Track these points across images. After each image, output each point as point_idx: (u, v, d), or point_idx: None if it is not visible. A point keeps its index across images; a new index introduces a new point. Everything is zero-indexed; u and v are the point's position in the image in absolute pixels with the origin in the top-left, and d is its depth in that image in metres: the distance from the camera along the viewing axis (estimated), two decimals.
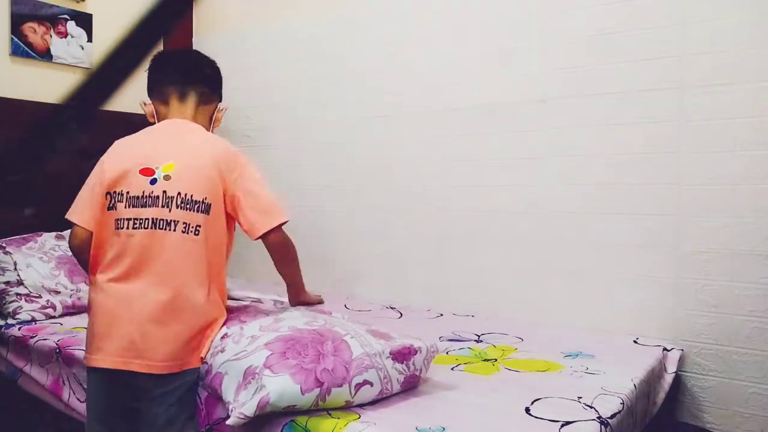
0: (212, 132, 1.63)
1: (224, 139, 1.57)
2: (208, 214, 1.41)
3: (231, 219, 1.49)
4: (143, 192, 1.40)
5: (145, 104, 1.64)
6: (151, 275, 1.37)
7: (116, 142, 1.55)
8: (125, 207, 1.41)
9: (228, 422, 1.22)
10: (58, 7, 2.70)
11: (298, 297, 1.65)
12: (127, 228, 1.39)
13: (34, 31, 2.63)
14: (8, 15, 2.55)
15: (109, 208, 1.43)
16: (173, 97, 1.57)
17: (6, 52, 2.56)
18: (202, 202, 1.40)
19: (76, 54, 2.77)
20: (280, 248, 1.51)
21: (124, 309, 1.37)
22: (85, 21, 2.80)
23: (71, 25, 2.75)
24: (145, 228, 1.38)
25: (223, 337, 1.42)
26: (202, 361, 1.41)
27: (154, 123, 1.60)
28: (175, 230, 1.38)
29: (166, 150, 1.46)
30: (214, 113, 1.65)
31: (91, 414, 1.46)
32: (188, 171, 1.42)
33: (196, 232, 1.39)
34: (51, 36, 2.68)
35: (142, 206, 1.40)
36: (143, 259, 1.37)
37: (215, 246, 1.44)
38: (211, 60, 1.69)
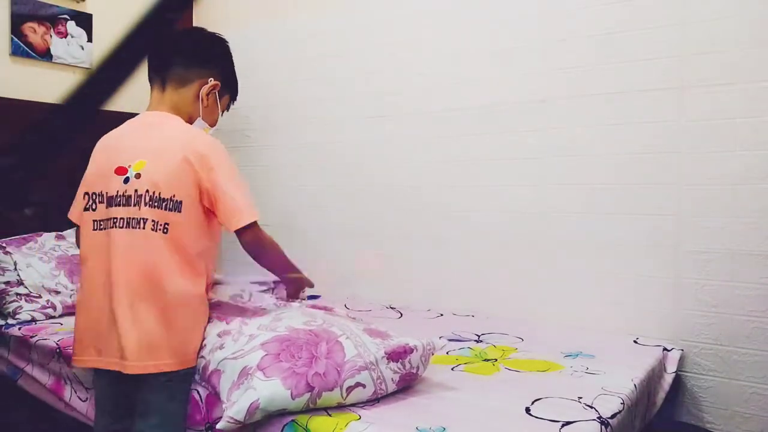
0: (202, 112, 1.54)
1: (199, 129, 1.51)
2: (179, 211, 1.38)
3: (204, 211, 1.43)
4: (117, 191, 1.40)
5: None
6: (125, 275, 1.36)
7: (102, 138, 1.53)
8: (105, 207, 1.41)
9: (218, 426, 1.23)
10: (58, 7, 2.70)
11: (290, 288, 1.65)
12: (103, 228, 1.40)
13: (34, 31, 2.63)
14: (8, 15, 2.55)
15: (85, 209, 1.44)
16: (154, 86, 1.55)
17: (6, 51, 2.56)
18: (170, 199, 1.37)
19: (76, 54, 2.77)
20: (253, 248, 1.46)
21: (99, 306, 1.38)
22: (85, 21, 2.80)
23: (71, 25, 2.75)
24: (119, 227, 1.38)
25: (223, 334, 1.43)
26: (195, 360, 1.42)
27: None
28: (144, 228, 1.36)
29: (138, 147, 1.43)
30: (199, 92, 1.53)
31: (98, 409, 1.50)
32: (157, 168, 1.39)
33: (165, 230, 1.37)
34: (51, 36, 2.68)
35: (116, 205, 1.39)
36: (117, 259, 1.37)
37: (189, 242, 1.39)
38: (192, 35, 1.61)
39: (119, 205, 1.39)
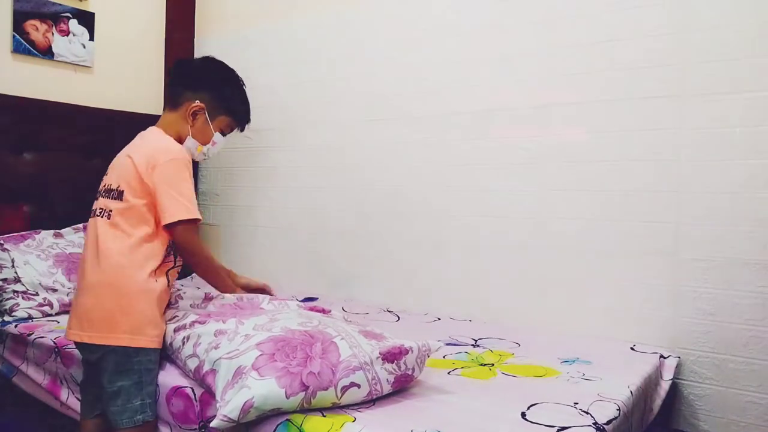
0: (191, 131, 1.69)
1: (167, 142, 1.63)
2: (121, 200, 1.55)
3: (148, 205, 1.56)
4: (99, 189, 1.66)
5: None
6: (86, 255, 1.57)
7: None
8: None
9: (212, 424, 1.23)
10: (60, 5, 2.70)
11: (220, 290, 1.70)
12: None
13: (36, 29, 2.63)
14: (10, 12, 2.56)
15: None
16: (166, 107, 1.77)
17: (8, 49, 2.56)
18: (116, 190, 1.57)
19: (78, 52, 2.77)
20: (180, 247, 1.57)
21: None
22: (87, 19, 2.80)
23: (73, 23, 2.76)
24: (91, 217, 1.61)
25: (218, 334, 1.43)
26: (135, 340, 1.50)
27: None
28: (99, 216, 1.58)
29: (121, 154, 1.65)
30: (188, 113, 1.69)
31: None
32: (116, 166, 1.63)
33: (108, 216, 1.56)
34: (53, 34, 2.69)
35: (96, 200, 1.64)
36: (84, 243, 1.62)
37: (127, 227, 1.54)
38: (193, 62, 1.82)
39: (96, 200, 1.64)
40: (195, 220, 1.56)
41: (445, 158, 2.42)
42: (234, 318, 1.49)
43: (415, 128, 2.49)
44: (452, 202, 2.40)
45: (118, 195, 1.56)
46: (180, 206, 1.53)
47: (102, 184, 1.63)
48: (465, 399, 1.40)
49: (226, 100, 1.76)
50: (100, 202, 1.60)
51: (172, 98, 1.72)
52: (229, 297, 1.67)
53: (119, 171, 1.59)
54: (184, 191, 1.55)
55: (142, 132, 1.70)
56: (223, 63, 1.82)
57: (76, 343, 1.58)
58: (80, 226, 2.55)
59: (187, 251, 1.58)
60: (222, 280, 1.69)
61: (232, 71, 1.82)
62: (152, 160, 1.54)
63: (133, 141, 1.68)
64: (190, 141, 1.70)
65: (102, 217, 1.56)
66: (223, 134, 1.78)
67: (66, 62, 2.74)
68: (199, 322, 1.51)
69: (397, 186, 2.55)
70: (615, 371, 1.65)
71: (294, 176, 2.88)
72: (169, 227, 1.53)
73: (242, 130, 1.88)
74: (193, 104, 1.69)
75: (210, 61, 1.81)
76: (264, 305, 1.63)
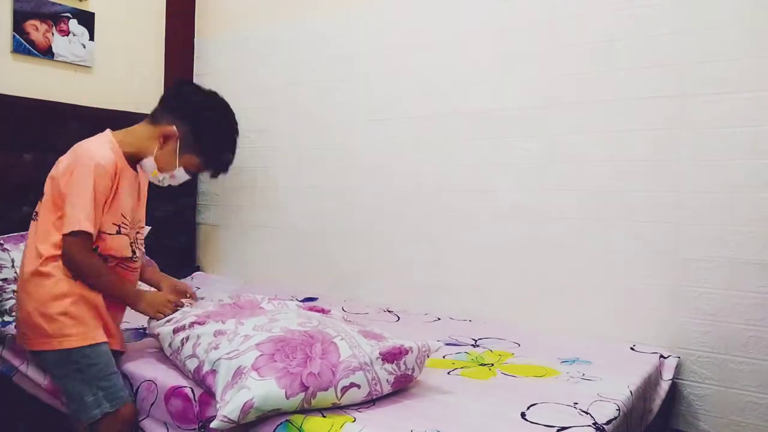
0: (156, 153, 1.61)
1: (90, 147, 1.56)
2: (42, 200, 1.60)
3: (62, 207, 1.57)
4: None
5: None
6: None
7: None
8: None
9: (212, 425, 1.23)
10: (60, 5, 2.70)
11: (135, 307, 1.67)
12: None
13: (36, 29, 2.63)
14: (10, 12, 2.56)
15: None
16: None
17: (8, 49, 2.56)
18: (43, 193, 1.60)
19: (78, 52, 2.77)
20: (65, 258, 1.53)
21: None
22: (87, 19, 2.80)
23: (73, 24, 2.76)
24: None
25: (218, 334, 1.43)
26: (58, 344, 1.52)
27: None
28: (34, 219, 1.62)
29: None
30: (161, 133, 1.61)
31: None
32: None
33: (35, 218, 1.60)
34: (53, 34, 2.69)
35: None
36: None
37: (45, 230, 1.55)
38: (190, 84, 1.79)
39: None
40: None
41: (445, 158, 2.41)
42: (233, 318, 1.49)
43: (415, 128, 2.49)
44: (452, 202, 2.40)
45: (42, 197, 1.64)
46: (77, 217, 1.50)
47: None
48: (465, 399, 1.40)
49: (205, 142, 1.64)
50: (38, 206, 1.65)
51: (155, 113, 1.66)
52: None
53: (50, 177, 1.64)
54: (86, 201, 1.51)
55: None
56: (225, 104, 1.68)
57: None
58: None
59: (76, 264, 1.54)
60: (124, 293, 1.65)
61: (228, 116, 1.69)
62: (67, 169, 1.54)
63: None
64: (148, 161, 1.63)
65: (33, 220, 1.64)
66: (188, 172, 1.67)
67: (66, 62, 2.74)
68: (198, 323, 1.51)
69: (397, 186, 2.55)
70: (615, 371, 1.65)
71: (294, 176, 2.88)
72: (64, 237, 1.53)
73: (214, 176, 1.74)
74: (168, 128, 1.60)
75: (211, 97, 1.68)
76: (263, 305, 1.63)
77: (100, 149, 1.55)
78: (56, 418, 1.83)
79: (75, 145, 1.61)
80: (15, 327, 1.66)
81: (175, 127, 1.60)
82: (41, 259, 1.54)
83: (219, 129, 1.67)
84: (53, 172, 1.59)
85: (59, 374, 1.55)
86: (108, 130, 1.65)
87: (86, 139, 1.62)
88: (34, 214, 1.61)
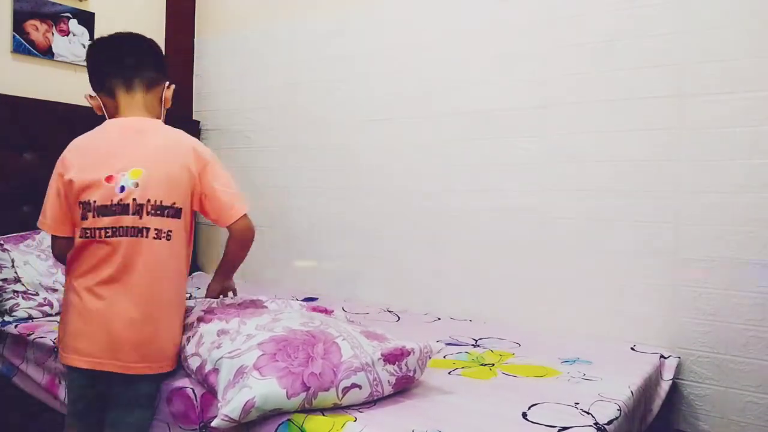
0: (163, 113, 1.58)
1: (182, 132, 1.53)
2: (179, 218, 1.45)
3: (192, 216, 1.53)
4: (112, 200, 1.40)
5: (90, 97, 1.55)
6: (128, 282, 1.40)
7: (74, 143, 1.50)
8: (95, 216, 1.40)
9: (213, 424, 1.23)
10: (60, 5, 2.70)
11: (226, 276, 1.70)
12: (101, 237, 1.40)
13: (36, 29, 2.63)
14: (10, 12, 2.56)
15: (82, 218, 1.42)
16: (119, 88, 1.51)
17: (8, 49, 2.56)
18: (172, 206, 1.43)
19: (78, 52, 2.77)
20: (247, 232, 1.56)
21: (102, 313, 1.39)
22: (87, 19, 2.80)
23: (73, 23, 2.76)
24: (119, 236, 1.40)
25: (221, 333, 1.43)
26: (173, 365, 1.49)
27: (104, 117, 1.54)
28: (147, 237, 1.41)
29: (129, 154, 1.44)
30: (162, 94, 1.58)
31: (70, 409, 1.51)
32: (157, 177, 1.42)
33: (168, 237, 1.43)
34: (53, 34, 2.69)
35: (113, 214, 1.40)
36: (120, 268, 1.39)
37: (184, 247, 1.49)
38: (151, 40, 1.59)
39: (116, 214, 1.40)
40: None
41: (445, 158, 2.42)
42: (237, 317, 1.48)
43: (415, 128, 2.49)
44: (452, 202, 2.40)
45: (176, 213, 1.44)
46: (242, 198, 1.55)
47: (128, 198, 1.40)
48: (465, 399, 1.40)
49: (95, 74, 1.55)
50: (147, 221, 1.40)
51: (146, 78, 1.52)
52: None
53: (168, 185, 1.43)
54: (234, 183, 1.55)
55: (140, 126, 1.49)
56: (96, 42, 1.60)
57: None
58: None
59: (252, 237, 1.59)
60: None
61: (93, 46, 1.59)
62: (201, 166, 1.48)
63: (135, 138, 1.46)
64: None
65: (161, 239, 1.42)
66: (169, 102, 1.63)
67: (66, 62, 2.74)
68: (204, 321, 1.51)
69: (396, 186, 2.55)
70: (615, 371, 1.65)
71: (294, 176, 2.88)
72: (238, 220, 1.52)
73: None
74: (169, 86, 1.59)
75: (148, 38, 1.59)
76: (267, 304, 1.63)
77: (191, 136, 1.55)
78: (56, 418, 1.83)
79: (172, 141, 1.48)
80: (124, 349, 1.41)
81: (168, 82, 1.61)
82: (182, 280, 1.49)
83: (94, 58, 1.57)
84: (179, 182, 1.44)
85: (153, 398, 1.47)
86: (154, 120, 1.53)
87: (169, 131, 1.51)
88: (156, 231, 1.41)
